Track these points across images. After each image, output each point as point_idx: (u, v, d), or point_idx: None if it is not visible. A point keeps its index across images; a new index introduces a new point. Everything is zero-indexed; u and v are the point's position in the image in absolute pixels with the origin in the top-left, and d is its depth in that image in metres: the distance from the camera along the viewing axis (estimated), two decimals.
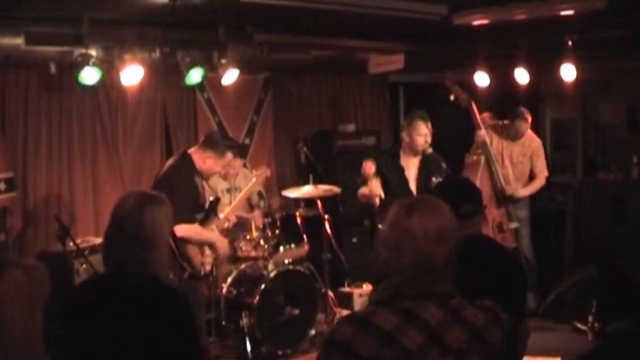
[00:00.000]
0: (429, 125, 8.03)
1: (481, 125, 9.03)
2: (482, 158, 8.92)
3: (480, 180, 8.68)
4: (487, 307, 2.93)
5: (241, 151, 9.31)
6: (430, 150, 8.01)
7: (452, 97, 9.09)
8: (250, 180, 8.72)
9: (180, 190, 6.96)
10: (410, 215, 2.89)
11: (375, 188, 7.78)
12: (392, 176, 8.02)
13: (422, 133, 7.98)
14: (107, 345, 3.37)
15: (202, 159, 7.31)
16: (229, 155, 7.64)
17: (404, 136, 8.10)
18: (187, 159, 7.32)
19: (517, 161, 9.61)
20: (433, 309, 2.78)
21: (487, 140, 9.08)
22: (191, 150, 7.42)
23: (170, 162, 7.50)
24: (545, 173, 9.74)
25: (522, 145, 9.65)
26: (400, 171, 8.03)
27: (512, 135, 9.62)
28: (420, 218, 2.88)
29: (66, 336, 3.49)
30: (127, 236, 3.50)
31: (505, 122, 9.69)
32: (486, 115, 9.78)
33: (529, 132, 9.73)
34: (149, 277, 3.50)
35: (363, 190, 7.96)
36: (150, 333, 3.35)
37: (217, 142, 7.40)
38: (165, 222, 3.65)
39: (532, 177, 9.73)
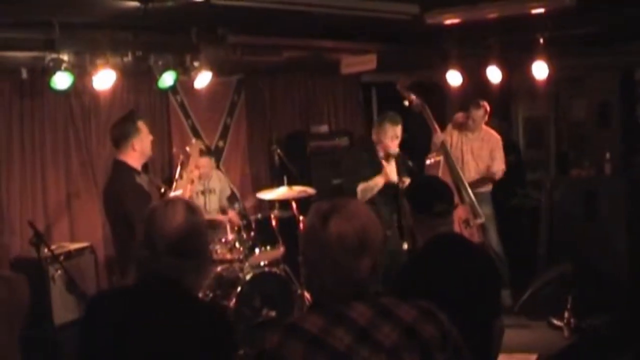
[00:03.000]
0: (399, 128, 8.04)
1: (437, 129, 9.11)
2: (441, 158, 9.02)
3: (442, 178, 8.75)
4: (420, 304, 2.80)
5: (208, 150, 9.30)
6: (396, 150, 8.03)
7: (405, 103, 9.11)
8: (222, 180, 8.83)
9: (130, 197, 6.76)
10: (325, 223, 2.73)
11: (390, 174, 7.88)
12: (370, 173, 8.04)
13: (390, 136, 8.01)
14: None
15: (132, 149, 6.91)
16: (141, 123, 7.37)
17: (373, 136, 8.16)
18: (120, 165, 6.99)
19: (477, 155, 9.65)
20: (362, 308, 2.69)
21: (446, 140, 9.23)
22: (118, 156, 7.04)
23: (108, 177, 7.31)
24: (502, 166, 9.75)
25: (481, 140, 9.71)
26: (379, 167, 8.06)
27: (470, 127, 9.66)
28: (336, 226, 2.71)
29: (97, 349, 3.27)
30: (179, 250, 3.24)
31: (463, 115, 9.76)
32: (461, 115, 9.83)
33: (487, 128, 9.79)
34: (187, 293, 3.32)
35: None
36: (187, 352, 3.16)
37: (124, 125, 7.05)
38: (207, 235, 3.43)
39: None
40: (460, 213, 8.70)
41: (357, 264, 2.71)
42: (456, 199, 8.73)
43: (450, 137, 9.57)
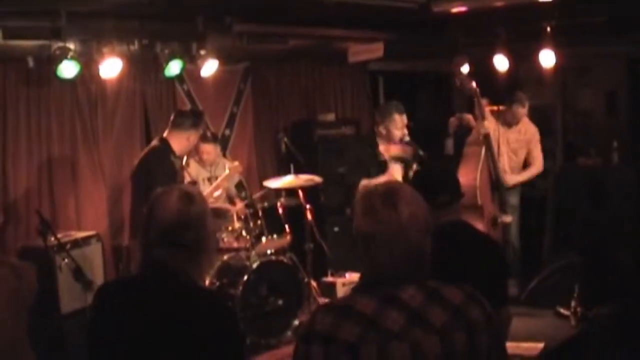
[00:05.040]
0: (405, 116, 8.05)
1: (486, 116, 8.96)
2: (483, 150, 8.83)
3: (480, 173, 8.63)
4: (464, 287, 2.87)
5: (214, 137, 9.34)
6: (407, 138, 8.02)
7: (457, 83, 9.07)
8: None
9: (159, 170, 7.38)
10: (392, 204, 2.77)
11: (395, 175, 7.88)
12: (373, 167, 8.03)
13: (400, 126, 8.01)
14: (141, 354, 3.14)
15: (185, 139, 7.76)
16: (203, 128, 8.20)
17: (381, 129, 8.12)
18: (164, 142, 7.70)
19: (513, 148, 9.53)
20: (412, 290, 2.74)
21: (491, 132, 9.03)
22: (166, 134, 7.78)
23: (149, 146, 7.91)
24: (541, 161, 9.71)
25: (518, 132, 9.58)
26: (381, 161, 8.05)
27: (508, 120, 9.51)
28: (406, 207, 2.77)
29: (98, 340, 3.26)
30: (170, 239, 3.18)
31: (502, 107, 9.64)
32: (484, 102, 9.74)
33: (526, 119, 9.65)
34: (187, 283, 3.24)
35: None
36: (191, 345, 3.09)
37: (193, 117, 7.98)
38: (211, 224, 3.34)
39: (524, 165, 9.72)
40: (490, 210, 8.67)
41: (425, 242, 2.82)
42: (489, 196, 8.70)
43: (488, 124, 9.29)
